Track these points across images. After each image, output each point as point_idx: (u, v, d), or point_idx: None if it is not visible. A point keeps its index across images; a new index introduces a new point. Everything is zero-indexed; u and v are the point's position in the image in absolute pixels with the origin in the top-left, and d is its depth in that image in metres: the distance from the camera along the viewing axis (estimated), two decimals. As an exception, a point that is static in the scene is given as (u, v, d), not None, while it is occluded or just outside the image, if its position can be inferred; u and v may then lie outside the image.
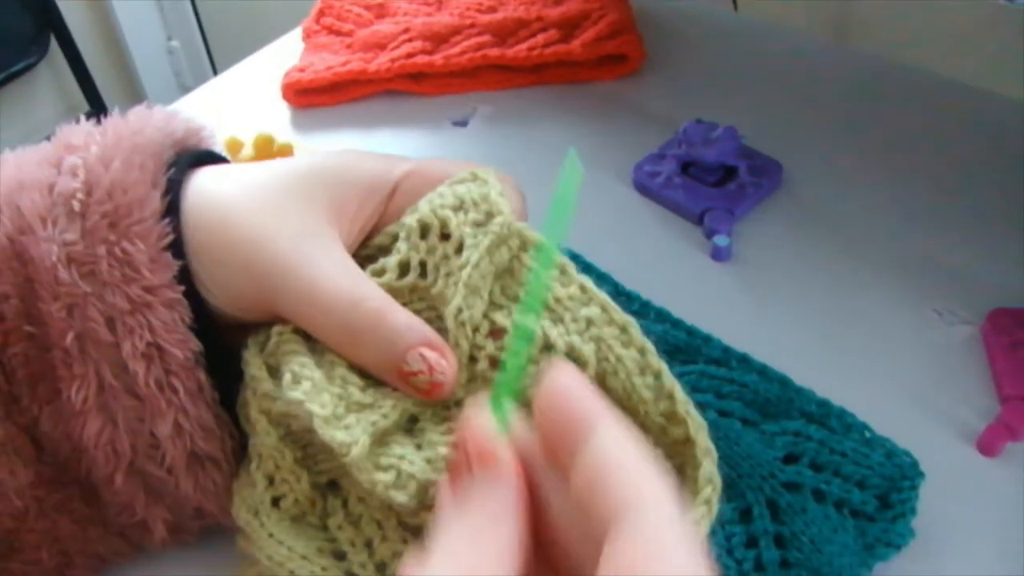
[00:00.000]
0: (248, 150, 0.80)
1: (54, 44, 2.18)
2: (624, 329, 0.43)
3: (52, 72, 2.25)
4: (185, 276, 0.46)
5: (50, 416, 0.47)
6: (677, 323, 0.62)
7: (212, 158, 0.54)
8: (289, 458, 0.47)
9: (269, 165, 0.51)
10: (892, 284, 0.68)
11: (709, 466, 0.39)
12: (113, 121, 0.50)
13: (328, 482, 0.49)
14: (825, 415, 0.56)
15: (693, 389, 0.56)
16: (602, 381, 0.42)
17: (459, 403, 0.46)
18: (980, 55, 0.86)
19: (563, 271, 0.45)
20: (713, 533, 0.49)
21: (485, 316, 0.45)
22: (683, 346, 0.60)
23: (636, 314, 0.60)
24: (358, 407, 0.45)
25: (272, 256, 0.47)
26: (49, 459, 0.49)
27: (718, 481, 0.39)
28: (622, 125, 0.85)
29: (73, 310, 0.45)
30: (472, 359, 0.45)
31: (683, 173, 0.77)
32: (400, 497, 0.43)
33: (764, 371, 0.58)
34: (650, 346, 0.42)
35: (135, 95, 2.44)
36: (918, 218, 0.73)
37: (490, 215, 0.47)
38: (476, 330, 0.44)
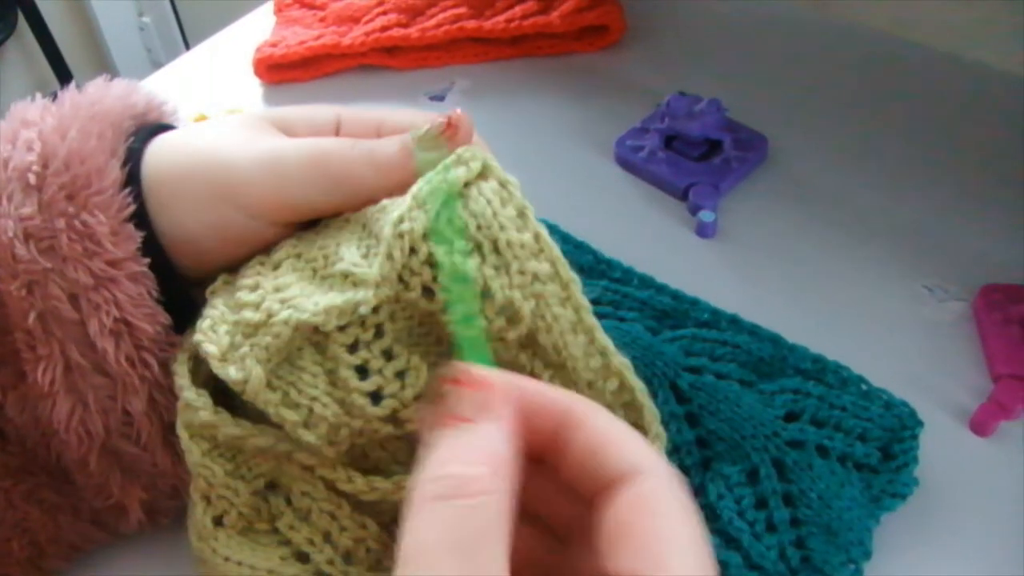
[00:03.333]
0: (218, 127, 0.78)
1: (22, 21, 2.14)
2: (566, 287, 0.41)
3: (20, 49, 2.22)
4: (150, 247, 0.45)
5: (16, 402, 0.46)
6: (661, 288, 0.62)
7: None
8: (220, 472, 0.45)
9: (219, 120, 0.50)
10: (881, 259, 0.67)
11: (650, 403, 0.40)
12: (70, 93, 0.49)
13: (266, 484, 0.47)
14: (821, 370, 0.56)
15: (686, 353, 0.56)
16: (533, 337, 0.40)
17: (378, 328, 0.43)
18: (967, 24, 0.84)
19: (521, 214, 0.41)
20: (722, 497, 0.50)
21: (425, 238, 0.41)
22: (670, 310, 0.60)
23: (619, 281, 0.62)
24: (251, 329, 0.42)
25: (249, 150, 0.46)
26: (15, 448, 0.48)
27: (657, 413, 0.40)
28: (603, 98, 0.83)
29: (33, 288, 0.43)
30: (403, 282, 0.41)
31: (666, 147, 0.75)
32: (308, 437, 0.42)
33: (755, 331, 0.58)
34: (587, 305, 0.41)
35: (106, 71, 2.36)
36: (907, 192, 0.72)
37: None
38: (413, 250, 0.40)
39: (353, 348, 0.42)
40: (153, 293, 0.45)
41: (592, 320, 0.41)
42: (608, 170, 0.76)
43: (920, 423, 0.53)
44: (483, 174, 0.42)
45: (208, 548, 0.45)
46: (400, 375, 0.42)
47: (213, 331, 0.43)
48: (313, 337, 0.43)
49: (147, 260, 0.45)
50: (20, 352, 0.44)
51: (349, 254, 0.43)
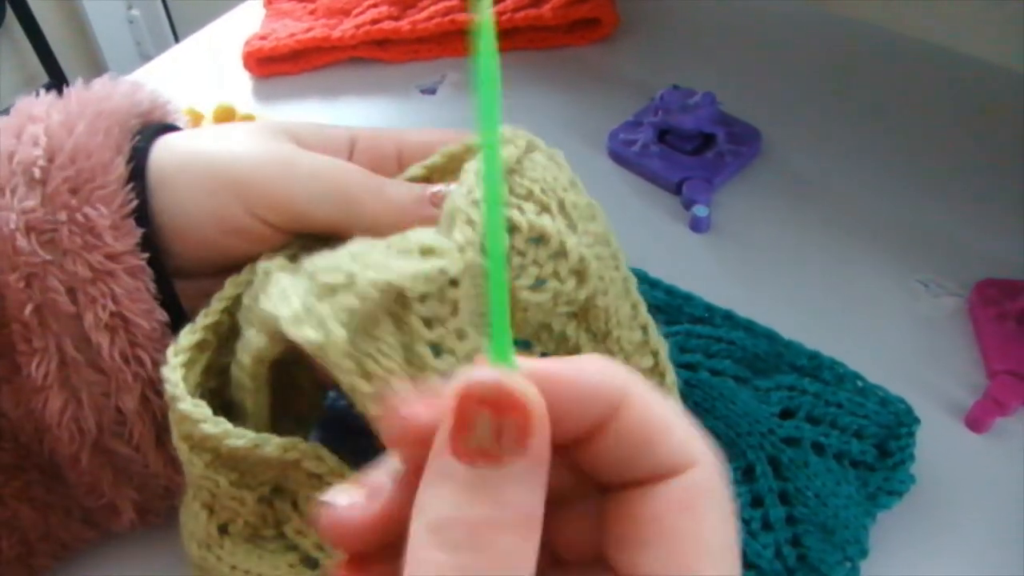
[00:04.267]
0: (208, 122, 0.78)
1: (10, 14, 2.13)
2: (615, 256, 0.41)
3: (9, 43, 2.21)
4: (150, 245, 0.45)
5: (10, 395, 0.46)
6: (655, 283, 0.62)
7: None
8: (224, 483, 0.43)
9: (231, 125, 0.51)
10: (875, 254, 0.67)
11: (676, 392, 0.41)
12: (76, 90, 0.49)
13: (271, 489, 0.46)
14: (817, 367, 0.55)
15: (681, 349, 0.56)
16: (591, 301, 0.40)
17: (455, 305, 0.40)
18: (963, 20, 0.84)
19: (573, 183, 0.42)
20: None
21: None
22: (663, 306, 0.60)
23: None
24: (330, 291, 0.38)
25: (262, 150, 0.46)
26: (8, 444, 0.47)
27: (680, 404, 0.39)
28: (596, 92, 0.83)
29: (32, 280, 0.43)
30: (483, 249, 0.39)
31: (660, 141, 0.75)
32: (379, 410, 0.38)
33: (750, 327, 0.58)
34: (633, 277, 0.41)
35: (95, 65, 2.39)
36: (901, 187, 0.72)
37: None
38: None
39: (429, 324, 0.40)
40: (151, 288, 0.45)
41: (637, 294, 0.41)
42: (601, 164, 0.76)
43: (916, 420, 0.53)
44: (530, 147, 0.42)
45: (213, 556, 0.44)
46: (470, 357, 0.41)
47: (284, 299, 0.39)
48: (392, 307, 0.39)
49: (146, 255, 0.45)
50: (16, 345, 0.44)
51: (421, 234, 0.41)
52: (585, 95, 0.83)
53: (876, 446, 0.52)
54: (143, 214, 0.45)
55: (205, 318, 0.46)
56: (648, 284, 0.61)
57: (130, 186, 0.45)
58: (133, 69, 0.93)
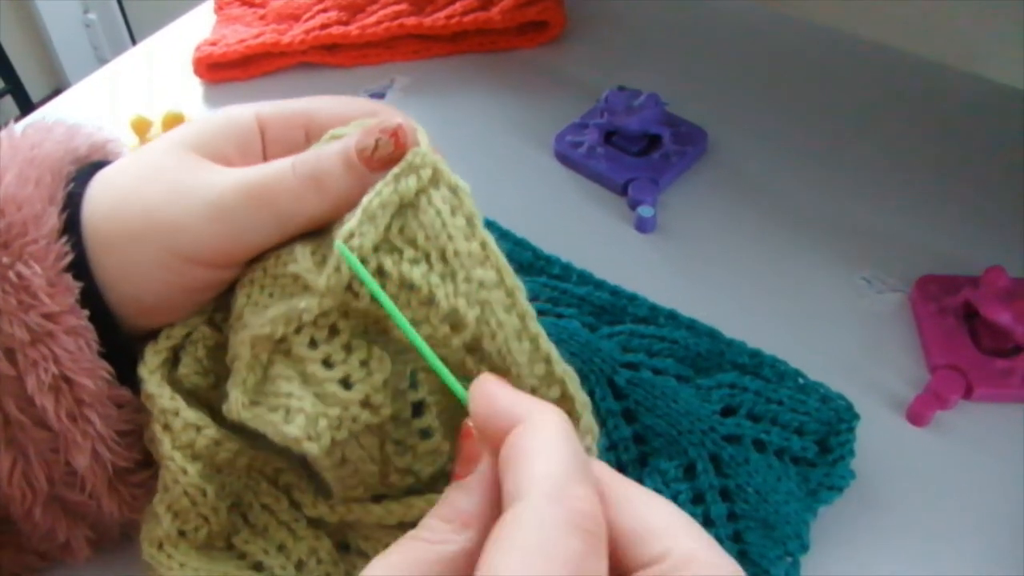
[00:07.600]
0: (156, 129, 0.77)
1: (-36, 19, 2.11)
2: (511, 294, 0.41)
3: (-37, 49, 2.19)
4: (90, 295, 0.43)
5: None
6: (600, 284, 0.62)
7: None
8: (211, 493, 0.45)
9: (148, 147, 0.47)
10: (820, 252, 0.67)
11: (588, 416, 0.40)
12: (8, 135, 0.47)
13: (230, 504, 0.48)
14: (758, 365, 0.56)
15: (624, 349, 0.56)
16: (478, 343, 0.41)
17: (332, 327, 0.43)
18: (906, 19, 0.85)
19: (470, 222, 0.41)
20: (659, 492, 0.50)
21: (375, 250, 0.41)
22: (608, 306, 0.60)
23: (557, 277, 0.62)
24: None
25: (194, 205, 0.43)
26: None
27: (596, 430, 0.40)
28: (543, 94, 0.83)
29: None
30: (351, 291, 0.41)
31: (606, 142, 0.75)
32: (291, 431, 0.42)
33: (692, 325, 0.59)
34: (532, 312, 0.41)
35: (52, 70, 2.37)
36: (845, 185, 0.73)
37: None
38: (363, 262, 0.40)
39: (313, 346, 0.43)
40: (93, 346, 0.43)
41: (537, 327, 0.41)
42: (548, 166, 0.76)
43: (856, 416, 0.53)
44: (434, 180, 0.42)
45: (164, 555, 0.45)
46: (364, 363, 0.42)
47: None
48: (278, 347, 0.43)
49: (86, 312, 0.43)
50: None
51: (303, 256, 0.43)
52: (532, 97, 0.83)
53: (817, 442, 0.53)
54: (81, 266, 0.43)
55: (167, 340, 0.47)
56: (593, 285, 0.62)
57: (64, 239, 0.43)
58: (89, 73, 0.92)
